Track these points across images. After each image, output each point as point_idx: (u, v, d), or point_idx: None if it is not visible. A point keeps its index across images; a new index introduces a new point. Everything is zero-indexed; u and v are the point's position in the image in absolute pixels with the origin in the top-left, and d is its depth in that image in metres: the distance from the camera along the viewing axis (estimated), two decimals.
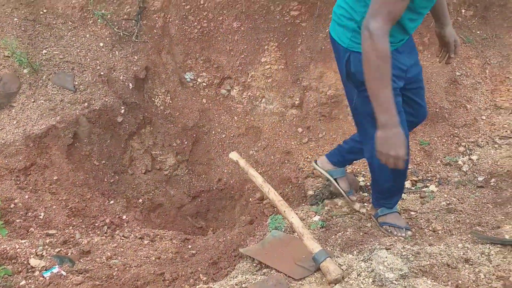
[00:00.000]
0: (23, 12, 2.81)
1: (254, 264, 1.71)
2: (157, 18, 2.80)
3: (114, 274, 1.74)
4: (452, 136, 2.54)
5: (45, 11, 2.87)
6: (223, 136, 2.70)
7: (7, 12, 2.80)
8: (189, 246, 1.96)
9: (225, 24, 2.80)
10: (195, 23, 2.78)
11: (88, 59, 2.68)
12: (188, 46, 2.77)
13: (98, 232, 1.99)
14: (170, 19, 2.79)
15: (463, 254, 1.57)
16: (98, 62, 2.70)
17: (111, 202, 2.31)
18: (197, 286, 1.53)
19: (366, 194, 2.35)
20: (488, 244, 1.65)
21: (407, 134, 1.68)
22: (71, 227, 1.95)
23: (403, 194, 2.17)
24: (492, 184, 2.21)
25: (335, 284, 1.41)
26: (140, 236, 1.98)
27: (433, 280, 1.41)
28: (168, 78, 2.76)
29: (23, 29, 2.78)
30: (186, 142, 2.69)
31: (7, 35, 2.71)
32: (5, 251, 1.75)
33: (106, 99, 2.57)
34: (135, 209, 2.36)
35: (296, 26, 2.79)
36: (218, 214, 2.54)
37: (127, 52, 2.78)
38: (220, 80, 2.80)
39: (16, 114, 2.53)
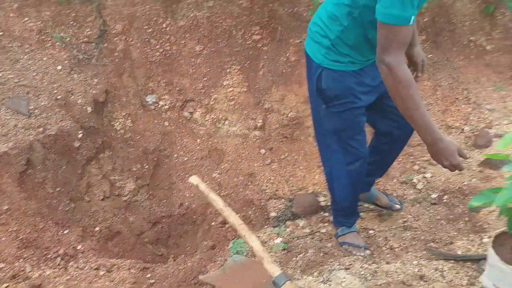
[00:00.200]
0: None
1: None
2: (118, 41, 2.80)
3: None
4: (407, 155, 2.66)
5: (0, 33, 2.81)
6: (186, 159, 2.70)
7: None
8: (148, 275, 1.91)
9: (187, 47, 2.85)
10: (157, 46, 2.81)
11: (45, 83, 2.63)
12: (150, 69, 2.78)
13: (51, 264, 1.90)
14: (132, 42, 2.81)
15: (418, 271, 1.64)
16: (55, 85, 2.64)
17: (66, 231, 2.22)
18: None
19: (326, 214, 2.39)
20: (441, 260, 1.73)
21: (365, 154, 1.74)
22: (21, 260, 1.86)
23: (362, 213, 2.25)
24: (445, 201, 2.32)
25: None
26: (95, 266, 1.91)
27: None
28: (129, 101, 2.75)
29: None
30: (147, 166, 2.67)
31: None
32: None
33: (63, 124, 2.51)
34: (91, 238, 2.29)
35: (258, 50, 2.88)
36: (180, 240, 2.52)
37: (86, 75, 2.75)
38: (183, 102, 2.81)
39: None
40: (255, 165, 2.70)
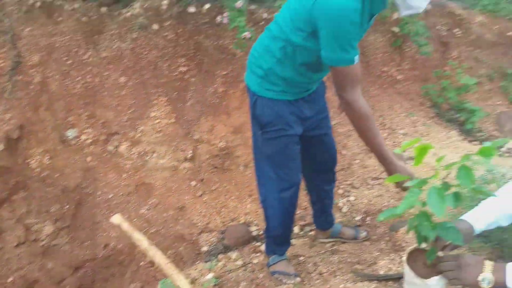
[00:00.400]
0: None
1: None
2: (34, 73, 2.65)
3: None
4: None
5: None
6: (110, 196, 2.59)
7: None
8: None
9: (111, 79, 2.79)
10: (78, 78, 2.71)
11: None
12: (70, 102, 2.66)
13: None
14: (50, 74, 2.68)
15: None
16: None
17: None
18: None
19: (259, 243, 2.43)
20: (366, 281, 1.84)
21: (298, 181, 1.82)
22: None
23: (292, 240, 2.33)
24: (367, 222, 2.47)
25: None
26: None
27: None
28: (47, 137, 2.59)
29: None
30: (67, 206, 2.51)
31: None
32: None
33: None
34: None
35: (185, 81, 2.90)
36: (106, 284, 2.37)
37: None
38: (107, 136, 2.73)
39: None
40: (186, 198, 2.68)
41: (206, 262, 2.28)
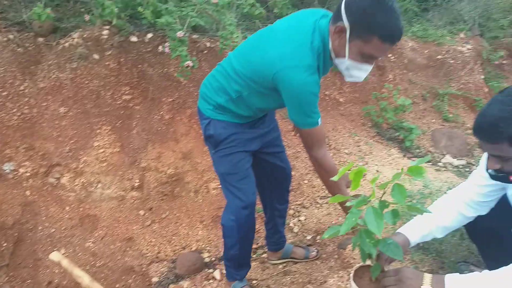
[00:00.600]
0: None
1: None
2: None
3: None
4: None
5: None
6: (53, 230, 2.56)
7: None
8: None
9: (50, 109, 2.81)
10: (15, 109, 2.71)
11: None
12: (6, 135, 2.63)
13: None
14: None
15: None
16: None
17: None
18: None
19: (211, 270, 2.52)
20: None
21: (253, 201, 1.91)
22: None
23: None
24: (318, 241, 2.63)
25: None
26: None
27: None
28: None
29: None
30: (5, 244, 2.44)
31: None
32: None
33: None
34: None
35: (130, 109, 2.99)
36: None
37: None
38: (47, 168, 2.71)
39: None
40: (134, 228, 2.71)
41: None
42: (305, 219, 2.87)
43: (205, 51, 3.23)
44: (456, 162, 3.68)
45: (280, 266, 2.45)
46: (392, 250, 1.29)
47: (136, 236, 2.68)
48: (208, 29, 3.32)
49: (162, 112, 3.04)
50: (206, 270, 2.56)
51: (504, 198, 1.60)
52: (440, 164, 3.65)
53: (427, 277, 1.31)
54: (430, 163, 3.62)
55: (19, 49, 2.87)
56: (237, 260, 2.09)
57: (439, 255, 2.23)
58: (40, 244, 2.50)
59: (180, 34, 2.66)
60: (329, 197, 3.09)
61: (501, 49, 4.71)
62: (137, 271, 2.55)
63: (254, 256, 2.61)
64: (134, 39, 3.11)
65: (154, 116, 3.02)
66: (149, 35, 3.15)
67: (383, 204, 1.24)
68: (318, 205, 2.99)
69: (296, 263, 2.45)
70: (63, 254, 2.50)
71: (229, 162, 1.85)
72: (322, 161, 1.69)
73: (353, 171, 1.21)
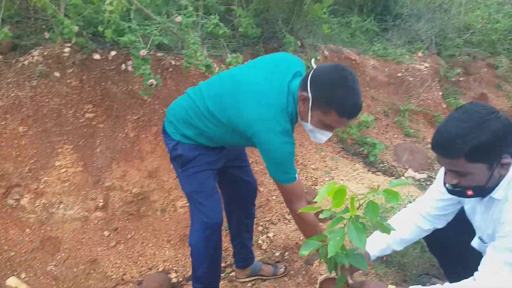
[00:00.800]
0: None
1: None
2: None
3: None
4: None
5: None
6: (12, 254, 2.54)
7: None
8: None
9: (9, 128, 2.82)
10: None
11: None
12: None
13: None
14: None
15: None
16: None
17: None
18: None
19: None
20: None
21: (219, 221, 2.00)
22: None
23: None
24: (286, 257, 2.74)
25: None
26: None
27: None
28: None
29: None
30: None
31: None
32: None
33: None
34: None
35: (93, 128, 3.05)
36: None
37: None
38: (6, 189, 2.71)
39: None
40: (98, 249, 2.73)
41: None
42: (273, 236, 2.99)
43: (170, 69, 3.35)
44: (418, 175, 3.97)
45: (249, 284, 2.54)
46: (358, 261, 1.41)
47: (100, 258, 2.71)
48: (173, 47, 3.47)
49: (126, 130, 3.12)
50: None
51: (461, 212, 1.74)
52: (402, 178, 3.93)
53: None
54: (393, 177, 3.89)
55: None
56: (206, 281, 2.15)
57: (402, 268, 2.38)
58: None
59: (143, 52, 2.76)
60: None
61: (457, 66, 5.15)
62: None
63: (222, 275, 2.67)
64: (97, 56, 3.20)
65: (119, 134, 3.10)
66: (113, 53, 3.25)
67: (357, 219, 1.31)
68: (286, 221, 3.13)
69: (264, 280, 2.55)
70: (23, 278, 2.51)
71: (196, 180, 1.95)
72: (302, 215, 1.83)
73: (335, 189, 1.28)
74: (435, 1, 5.57)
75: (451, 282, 1.52)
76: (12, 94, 2.93)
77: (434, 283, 1.73)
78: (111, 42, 3.18)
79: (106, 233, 2.83)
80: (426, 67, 4.90)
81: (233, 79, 1.82)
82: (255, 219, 3.12)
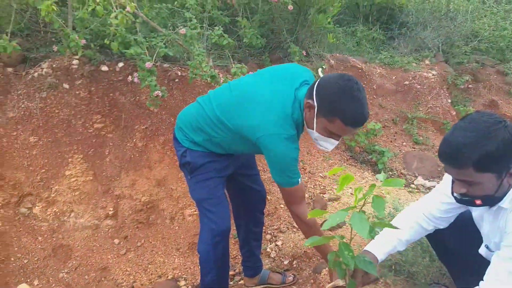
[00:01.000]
0: None
1: None
2: None
3: None
4: None
5: None
6: (25, 261, 2.72)
7: None
8: None
9: (20, 139, 3.02)
10: None
11: None
12: None
13: None
14: None
15: None
16: None
17: None
18: None
19: None
20: None
21: (227, 228, 2.11)
22: None
23: None
24: (294, 265, 2.87)
25: None
26: None
27: None
28: None
29: None
30: None
31: None
32: None
33: None
34: None
35: (102, 137, 3.25)
36: None
37: None
38: (19, 198, 2.89)
39: None
40: (109, 257, 2.89)
41: None
42: (282, 244, 3.11)
43: (176, 80, 3.56)
44: (428, 183, 4.11)
45: None
46: (367, 266, 1.49)
47: (111, 265, 2.86)
48: (179, 58, 3.68)
49: (135, 140, 3.31)
50: None
51: (470, 219, 1.79)
52: (412, 186, 4.06)
53: None
54: (403, 186, 4.03)
55: None
56: (214, 286, 2.24)
57: (411, 277, 2.43)
58: (13, 275, 2.65)
59: (148, 64, 2.95)
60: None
61: (466, 73, 5.32)
62: None
63: (231, 283, 2.81)
64: (105, 68, 3.42)
65: (127, 143, 3.29)
66: (120, 65, 3.46)
67: (363, 214, 1.37)
68: (295, 230, 3.26)
69: None
70: (36, 285, 2.67)
71: (205, 188, 2.08)
72: (302, 217, 1.96)
73: (342, 175, 1.40)
74: (441, 10, 5.77)
75: None
76: (23, 106, 3.14)
77: None
78: (118, 54, 3.39)
79: (116, 241, 2.99)
80: (433, 75, 5.07)
81: (241, 89, 1.96)
82: (264, 225, 3.32)
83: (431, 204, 1.82)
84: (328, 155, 4.16)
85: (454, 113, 4.97)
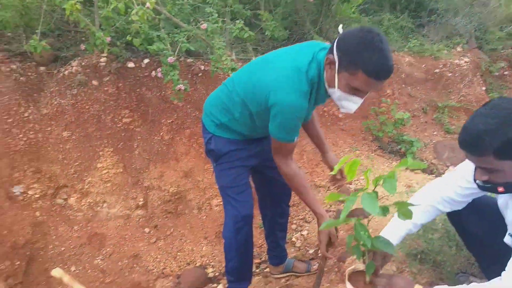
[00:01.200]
0: None
1: None
2: None
3: None
4: None
5: None
6: (63, 249, 3.02)
7: None
8: None
9: (54, 134, 3.34)
10: (20, 135, 3.23)
11: None
12: (13, 159, 3.12)
13: None
14: None
15: None
16: None
17: None
18: None
19: (214, 284, 2.92)
20: None
21: (250, 214, 2.24)
22: None
23: None
24: (320, 255, 2.99)
25: None
26: None
27: None
28: None
29: None
30: (18, 263, 2.88)
31: None
32: None
33: None
34: None
35: (130, 131, 3.53)
36: None
37: None
38: (55, 190, 3.18)
39: None
40: (140, 245, 3.16)
41: None
42: (307, 234, 3.29)
43: (200, 74, 3.81)
44: None
45: (283, 280, 2.82)
46: (384, 245, 1.57)
47: (142, 253, 3.14)
48: (202, 53, 3.94)
49: (162, 133, 3.59)
50: (210, 285, 2.98)
51: (496, 208, 1.77)
52: (443, 175, 4.18)
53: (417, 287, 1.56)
54: (433, 175, 4.15)
55: (21, 78, 3.44)
56: (237, 273, 2.38)
57: (437, 266, 2.51)
58: (51, 262, 2.96)
59: (171, 59, 3.17)
60: (331, 210, 3.60)
61: (501, 60, 5.38)
62: (144, 286, 2.98)
63: (257, 270, 3.02)
64: (131, 65, 3.70)
65: (154, 137, 3.56)
66: (146, 61, 3.75)
67: (376, 194, 1.44)
68: None
69: (298, 276, 2.82)
70: (73, 271, 2.97)
71: (229, 176, 2.22)
72: (283, 169, 2.02)
73: (349, 163, 1.42)
74: None
75: (489, 280, 1.60)
76: (56, 102, 3.45)
77: (471, 282, 1.75)
78: (143, 51, 3.65)
79: (146, 230, 3.27)
80: (466, 62, 5.14)
81: (258, 59, 2.10)
82: (289, 216, 3.50)
83: (450, 187, 1.83)
84: (355, 146, 4.32)
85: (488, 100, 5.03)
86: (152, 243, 3.21)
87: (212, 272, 3.13)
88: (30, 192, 3.14)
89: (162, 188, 3.39)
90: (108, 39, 3.31)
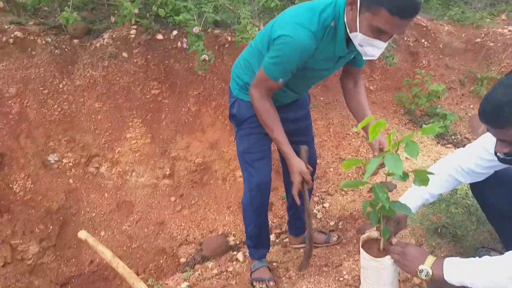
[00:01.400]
0: None
1: None
2: (12, 104, 3.28)
3: None
4: None
5: None
6: (93, 215, 3.20)
7: None
8: None
9: (86, 105, 3.47)
10: (55, 106, 3.39)
11: None
12: (49, 129, 3.29)
13: None
14: (28, 104, 3.35)
15: None
16: None
17: None
18: None
19: (235, 252, 3.00)
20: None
21: (266, 180, 2.22)
22: None
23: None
24: (340, 227, 3.02)
25: None
26: None
27: None
28: (28, 162, 3.18)
29: None
30: (51, 227, 3.10)
31: None
32: None
33: None
34: None
35: (158, 103, 3.61)
36: None
37: None
38: (87, 158, 3.32)
39: None
40: (166, 213, 3.28)
41: (183, 272, 2.83)
42: (329, 206, 3.29)
43: (226, 45, 3.76)
44: None
45: (301, 250, 2.85)
46: (402, 208, 1.58)
47: (167, 220, 3.27)
48: (230, 24, 3.92)
49: (189, 105, 3.64)
50: (231, 252, 3.06)
51: None
52: None
53: (430, 258, 1.55)
54: None
55: (56, 50, 3.56)
56: (254, 239, 2.43)
57: (457, 240, 2.47)
58: (83, 226, 3.16)
59: (196, 29, 3.14)
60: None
61: None
62: (168, 252, 3.15)
63: (277, 240, 3.07)
64: (160, 37, 3.72)
65: (182, 108, 3.64)
66: (174, 33, 3.75)
67: (398, 155, 1.46)
68: (343, 193, 3.42)
69: (316, 247, 2.81)
70: (102, 236, 3.16)
71: (248, 141, 2.20)
72: (255, 100, 1.99)
73: (374, 124, 1.44)
74: None
75: None
76: (88, 74, 3.57)
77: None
78: (172, 23, 3.66)
79: (172, 198, 3.40)
80: (510, 31, 4.85)
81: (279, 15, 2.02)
82: (312, 189, 3.52)
83: (471, 159, 1.79)
84: (385, 119, 4.24)
85: None
86: (177, 211, 3.34)
87: (233, 240, 3.21)
88: (64, 161, 3.32)
89: (188, 159, 3.49)
90: (136, 10, 3.35)
